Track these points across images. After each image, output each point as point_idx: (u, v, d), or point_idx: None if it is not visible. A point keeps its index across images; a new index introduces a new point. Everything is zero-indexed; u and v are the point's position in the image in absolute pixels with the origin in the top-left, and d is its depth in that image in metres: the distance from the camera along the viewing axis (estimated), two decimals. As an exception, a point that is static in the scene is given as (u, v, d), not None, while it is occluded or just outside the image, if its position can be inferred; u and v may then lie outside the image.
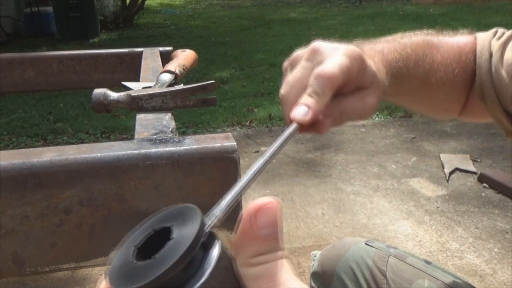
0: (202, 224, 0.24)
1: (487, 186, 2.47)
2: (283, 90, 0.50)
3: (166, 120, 0.58)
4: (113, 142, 0.48)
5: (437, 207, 2.29)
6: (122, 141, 0.49)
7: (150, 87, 0.69)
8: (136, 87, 0.68)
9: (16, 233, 0.44)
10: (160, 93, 0.62)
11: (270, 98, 4.11)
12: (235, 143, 0.48)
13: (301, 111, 0.45)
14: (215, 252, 0.24)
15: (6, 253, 0.44)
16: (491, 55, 0.64)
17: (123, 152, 0.45)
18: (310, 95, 0.46)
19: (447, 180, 2.56)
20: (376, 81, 0.51)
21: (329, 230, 2.11)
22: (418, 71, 0.61)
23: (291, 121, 0.45)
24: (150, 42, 6.85)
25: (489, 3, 9.56)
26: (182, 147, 0.46)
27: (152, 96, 0.62)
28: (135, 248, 0.24)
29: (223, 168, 0.47)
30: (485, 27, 0.71)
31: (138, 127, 0.55)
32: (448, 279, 0.76)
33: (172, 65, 0.76)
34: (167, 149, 0.46)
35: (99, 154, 0.45)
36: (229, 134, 0.50)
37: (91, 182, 0.44)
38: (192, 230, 0.23)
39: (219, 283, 0.23)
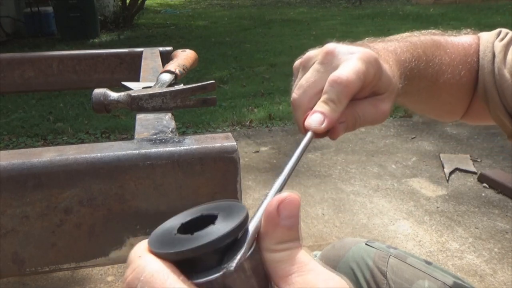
0: (245, 220, 0.26)
1: (487, 186, 2.47)
2: (295, 94, 0.48)
3: (166, 120, 0.58)
4: (113, 142, 0.48)
5: (437, 207, 2.29)
6: (122, 141, 0.49)
7: (150, 87, 0.69)
8: (136, 87, 0.68)
9: (16, 233, 0.44)
10: (160, 93, 0.62)
11: (270, 98, 4.11)
12: (235, 143, 0.48)
13: (316, 119, 0.43)
14: (247, 247, 0.26)
15: (6, 253, 0.44)
16: (494, 56, 0.63)
17: (123, 152, 0.45)
18: (325, 103, 0.44)
19: (447, 180, 2.56)
20: (391, 85, 0.50)
21: (329, 230, 2.11)
22: (428, 72, 0.61)
23: (304, 128, 0.44)
24: (150, 42, 6.85)
25: (489, 3, 9.56)
26: (182, 147, 0.46)
27: (152, 96, 0.62)
28: (181, 225, 0.27)
29: (223, 168, 0.47)
30: (485, 27, 0.70)
31: (138, 127, 0.55)
32: (449, 280, 0.76)
33: (172, 65, 0.76)
34: (167, 149, 0.46)
35: (99, 154, 0.45)
36: (229, 134, 0.50)
37: (91, 182, 0.44)
38: (233, 222, 0.26)
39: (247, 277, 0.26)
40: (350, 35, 6.20)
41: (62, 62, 1.03)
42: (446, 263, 1.86)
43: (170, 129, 0.54)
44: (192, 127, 3.50)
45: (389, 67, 0.51)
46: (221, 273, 0.24)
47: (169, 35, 7.59)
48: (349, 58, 0.46)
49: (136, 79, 0.82)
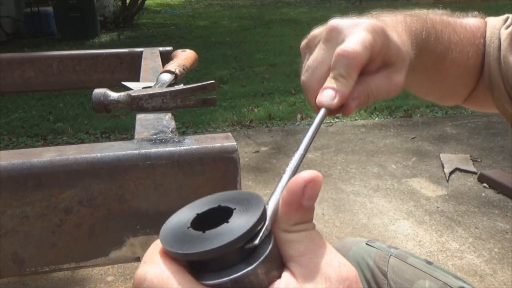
0: (262, 217, 0.25)
1: (487, 186, 2.47)
2: (304, 76, 0.47)
3: (166, 120, 0.58)
4: (113, 142, 0.48)
5: (437, 207, 2.29)
6: (122, 141, 0.49)
7: (150, 87, 0.69)
8: (136, 87, 0.68)
9: (16, 233, 0.44)
10: (160, 93, 0.62)
11: (270, 98, 4.11)
12: (235, 143, 0.48)
13: (328, 95, 0.42)
14: (265, 248, 0.25)
15: (6, 253, 0.44)
16: (500, 43, 0.62)
17: (123, 152, 0.45)
18: (335, 78, 0.43)
19: (447, 180, 2.56)
20: (402, 54, 0.48)
21: (329, 230, 2.11)
22: (437, 48, 0.58)
23: (318, 107, 0.43)
24: (150, 42, 6.85)
25: (489, 3, 9.55)
26: (182, 147, 0.46)
27: (152, 96, 0.62)
28: (196, 215, 0.26)
29: (223, 168, 0.47)
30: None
31: (138, 127, 0.55)
32: (449, 280, 0.75)
33: (172, 65, 0.76)
34: (167, 149, 0.46)
35: (99, 154, 0.45)
36: (229, 134, 0.50)
37: (91, 182, 0.44)
38: (247, 223, 0.25)
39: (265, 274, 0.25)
40: (350, 35, 6.19)
41: (62, 62, 1.03)
42: (446, 263, 1.86)
43: (170, 129, 0.54)
44: (192, 127, 3.50)
45: (398, 36, 0.49)
46: (232, 276, 0.24)
47: (169, 35, 7.59)
48: (354, 31, 0.45)
49: (136, 79, 0.82)
